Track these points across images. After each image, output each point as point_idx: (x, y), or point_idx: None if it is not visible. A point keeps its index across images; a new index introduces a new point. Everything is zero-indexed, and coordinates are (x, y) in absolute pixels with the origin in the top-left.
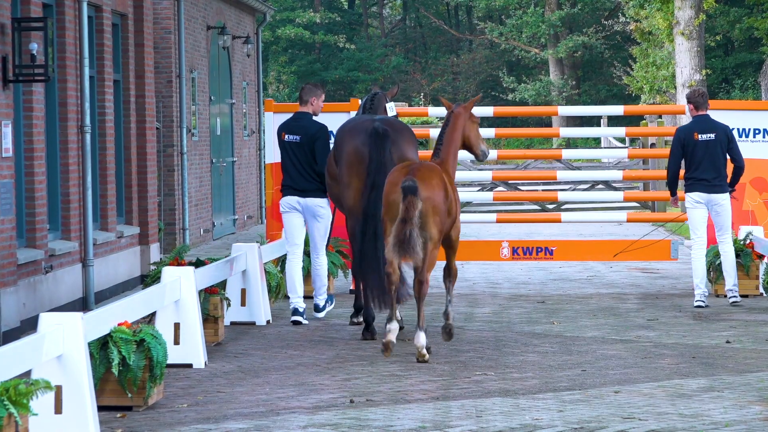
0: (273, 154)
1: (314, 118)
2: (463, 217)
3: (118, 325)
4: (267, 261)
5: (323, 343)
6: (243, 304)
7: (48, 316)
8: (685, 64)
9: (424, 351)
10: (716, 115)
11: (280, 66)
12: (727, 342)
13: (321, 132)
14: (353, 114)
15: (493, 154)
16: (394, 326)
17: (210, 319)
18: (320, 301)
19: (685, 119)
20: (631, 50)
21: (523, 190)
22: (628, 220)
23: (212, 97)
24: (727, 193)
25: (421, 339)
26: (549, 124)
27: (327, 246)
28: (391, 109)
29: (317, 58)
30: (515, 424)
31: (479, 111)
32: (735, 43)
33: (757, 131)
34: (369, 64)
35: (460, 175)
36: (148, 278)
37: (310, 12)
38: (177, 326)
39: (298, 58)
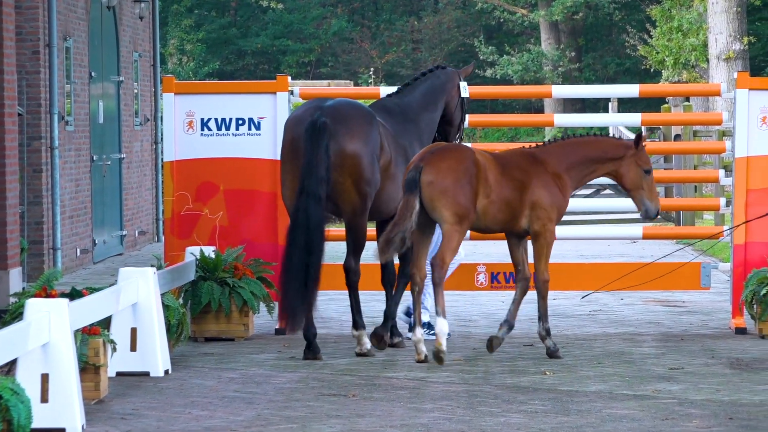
0: (174, 149)
1: None
2: None
3: None
4: (165, 291)
5: (239, 401)
6: (133, 348)
7: None
8: (721, 30)
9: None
10: (760, 98)
11: (183, 32)
12: None
13: None
14: (280, 96)
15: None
16: (418, 334)
17: (89, 368)
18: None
19: (721, 102)
20: (649, 11)
21: None
22: (644, 237)
23: (93, 74)
24: None
25: (442, 326)
26: (540, 110)
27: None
28: (465, 89)
29: (233, 21)
30: None
31: None
32: None
33: None
34: (302, 30)
35: None
36: (7, 314)
37: None
38: (45, 378)
39: (208, 22)
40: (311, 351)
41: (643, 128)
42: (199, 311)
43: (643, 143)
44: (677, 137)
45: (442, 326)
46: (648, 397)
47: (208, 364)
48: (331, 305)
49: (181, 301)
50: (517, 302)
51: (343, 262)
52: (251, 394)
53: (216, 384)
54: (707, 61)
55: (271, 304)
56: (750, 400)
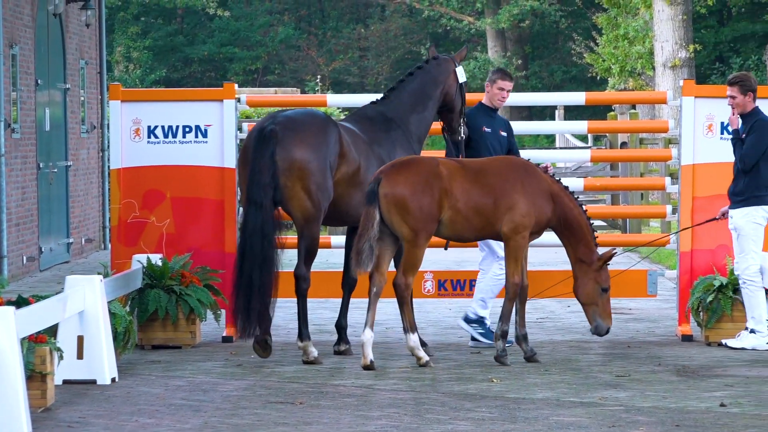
0: (120, 157)
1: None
2: None
3: None
4: (112, 299)
5: (186, 408)
6: (80, 356)
7: None
8: (667, 38)
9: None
10: (706, 105)
11: (129, 39)
12: (722, 405)
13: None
14: (227, 103)
15: None
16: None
17: (36, 376)
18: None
19: (667, 110)
20: (595, 19)
21: None
22: None
23: (39, 81)
24: None
25: (411, 340)
26: None
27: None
28: (461, 74)
29: (179, 28)
30: None
31: None
32: (733, 10)
33: None
34: (248, 38)
35: None
36: None
37: None
38: None
39: (154, 29)
40: (260, 346)
41: (588, 136)
42: (146, 319)
43: (607, 263)
44: (624, 145)
45: (414, 340)
46: (595, 404)
47: (155, 371)
48: (278, 312)
49: (127, 308)
50: (519, 312)
51: (293, 270)
52: (198, 401)
53: (163, 392)
54: (653, 68)
55: (218, 312)
56: (696, 407)
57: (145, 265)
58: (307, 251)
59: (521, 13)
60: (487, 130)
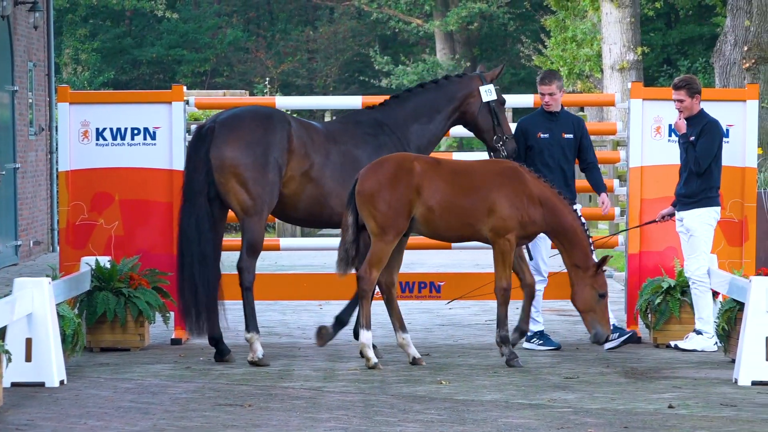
0: (69, 159)
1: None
2: (320, 242)
3: None
4: (60, 302)
5: (135, 411)
6: (28, 358)
7: None
8: (615, 40)
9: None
10: (654, 108)
11: (77, 41)
12: (670, 407)
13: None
14: (176, 106)
15: None
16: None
17: None
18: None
19: (615, 112)
20: (543, 21)
21: None
22: None
23: None
24: None
25: (365, 337)
26: None
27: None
28: (488, 92)
29: (128, 31)
30: None
31: (344, 102)
32: (680, 13)
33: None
34: (197, 40)
35: None
36: None
37: None
38: None
39: (102, 31)
40: (219, 353)
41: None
42: (95, 321)
43: (603, 268)
44: None
45: (367, 338)
46: (543, 406)
47: (103, 374)
48: (227, 315)
49: (76, 311)
50: (525, 308)
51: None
52: (147, 404)
53: (112, 394)
54: (601, 71)
55: (167, 314)
56: (645, 408)
57: (93, 267)
58: (249, 244)
59: (470, 16)
60: (543, 135)
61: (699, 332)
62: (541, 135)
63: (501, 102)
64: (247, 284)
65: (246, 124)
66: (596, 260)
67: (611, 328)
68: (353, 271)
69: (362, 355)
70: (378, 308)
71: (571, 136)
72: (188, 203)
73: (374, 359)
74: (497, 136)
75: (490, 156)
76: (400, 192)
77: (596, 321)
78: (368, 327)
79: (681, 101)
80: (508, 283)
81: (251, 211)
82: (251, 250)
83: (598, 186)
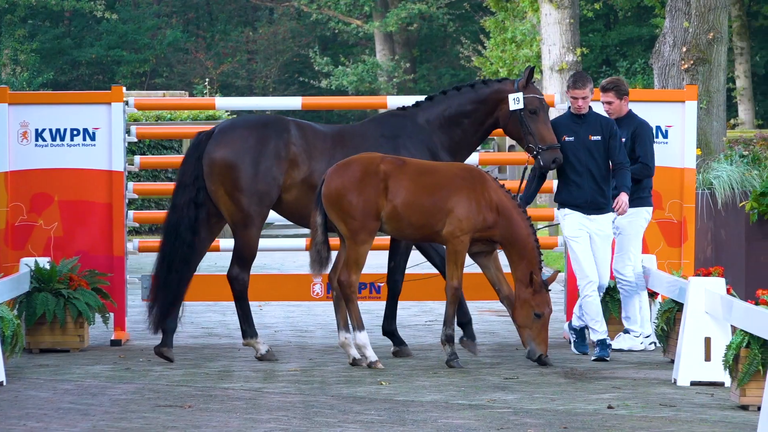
0: (8, 160)
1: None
2: (260, 242)
3: None
4: (0, 302)
5: (75, 412)
6: None
7: None
8: (554, 41)
9: (365, 352)
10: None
11: (16, 42)
12: (610, 407)
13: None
14: (115, 106)
15: None
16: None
17: None
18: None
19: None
20: (483, 22)
21: None
22: None
23: None
24: None
25: (360, 338)
26: None
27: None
28: (516, 101)
29: (67, 31)
30: None
31: (283, 103)
32: (619, 14)
33: (658, 130)
34: (136, 40)
35: None
36: None
37: None
38: None
39: (41, 32)
40: (163, 344)
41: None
42: (34, 322)
43: (547, 289)
44: (512, 147)
45: (363, 337)
46: (483, 406)
47: (43, 375)
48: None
49: (15, 312)
50: (513, 319)
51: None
52: (87, 405)
53: (51, 395)
54: (541, 72)
55: (107, 315)
56: (584, 409)
57: (32, 268)
58: (238, 254)
59: (409, 17)
60: (569, 138)
61: (626, 331)
62: (566, 138)
63: (531, 111)
64: (237, 294)
65: (241, 130)
66: (544, 279)
67: (545, 350)
68: (327, 271)
69: (357, 357)
70: (307, 310)
71: (598, 138)
72: (173, 207)
73: (374, 357)
74: (529, 146)
75: (525, 169)
76: (368, 193)
77: (531, 338)
78: (361, 327)
79: (610, 103)
80: (459, 282)
81: (239, 222)
82: (241, 260)
83: (618, 186)
